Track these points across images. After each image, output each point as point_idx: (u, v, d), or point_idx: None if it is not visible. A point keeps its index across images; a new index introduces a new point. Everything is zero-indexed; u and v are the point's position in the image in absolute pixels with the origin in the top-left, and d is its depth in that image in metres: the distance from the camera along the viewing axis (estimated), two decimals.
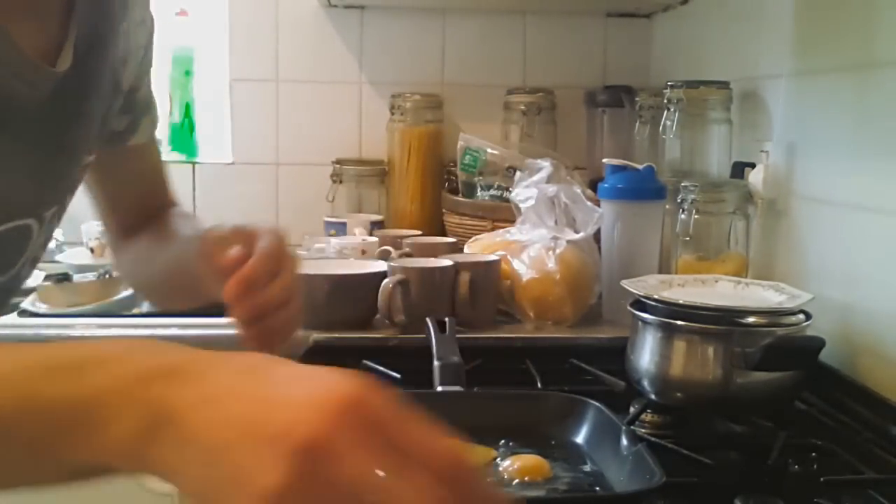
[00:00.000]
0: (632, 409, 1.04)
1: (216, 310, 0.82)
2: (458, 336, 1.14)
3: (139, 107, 0.95)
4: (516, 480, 0.82)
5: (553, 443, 0.91)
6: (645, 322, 1.03)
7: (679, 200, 1.35)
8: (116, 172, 0.98)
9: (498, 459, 0.86)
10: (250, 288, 0.74)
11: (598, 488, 0.82)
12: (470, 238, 1.54)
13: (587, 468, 0.86)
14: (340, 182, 1.94)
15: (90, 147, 0.84)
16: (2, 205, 0.72)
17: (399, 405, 0.42)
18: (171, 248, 0.94)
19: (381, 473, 0.39)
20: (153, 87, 0.99)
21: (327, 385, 0.42)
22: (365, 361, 1.19)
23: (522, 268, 1.37)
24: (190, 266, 0.85)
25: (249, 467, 0.40)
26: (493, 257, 1.39)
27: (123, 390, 0.45)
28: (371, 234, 1.71)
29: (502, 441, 0.90)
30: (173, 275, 0.94)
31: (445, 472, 0.40)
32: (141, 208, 1.03)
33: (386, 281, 1.27)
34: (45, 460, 0.47)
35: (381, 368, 1.16)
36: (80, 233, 1.77)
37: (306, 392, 0.42)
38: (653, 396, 1.03)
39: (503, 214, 1.57)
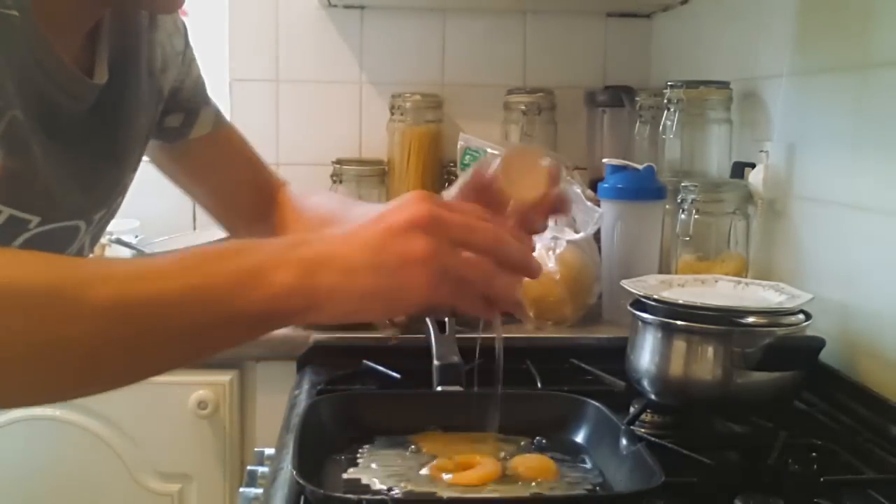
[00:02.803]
0: (632, 409, 1.04)
1: None
2: (458, 336, 1.13)
3: (189, 102, 0.99)
4: (521, 482, 0.81)
5: (554, 443, 0.91)
6: (645, 322, 1.03)
7: (679, 200, 1.35)
8: (209, 166, 1.03)
9: (505, 455, 0.86)
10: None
11: (597, 488, 0.82)
12: None
13: (588, 468, 0.86)
14: (340, 182, 1.94)
15: (136, 153, 0.89)
16: (52, 207, 0.76)
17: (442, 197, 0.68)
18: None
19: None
20: (201, 81, 1.03)
21: (405, 196, 0.65)
22: (365, 361, 1.19)
23: None
24: None
25: (405, 250, 0.61)
26: None
27: (276, 256, 0.61)
28: None
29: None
30: None
31: (484, 219, 0.65)
32: (253, 193, 1.07)
33: None
34: (222, 322, 0.61)
35: (381, 368, 1.16)
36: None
37: (396, 202, 0.64)
38: (653, 396, 1.03)
39: None
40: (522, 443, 0.90)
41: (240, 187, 1.07)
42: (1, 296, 0.54)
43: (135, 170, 0.90)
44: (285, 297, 0.60)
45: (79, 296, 0.56)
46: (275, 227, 1.05)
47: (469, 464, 0.83)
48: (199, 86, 1.02)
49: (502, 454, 0.86)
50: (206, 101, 1.02)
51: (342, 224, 0.68)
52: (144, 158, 1.04)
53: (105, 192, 0.85)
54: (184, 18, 1.02)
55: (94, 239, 0.87)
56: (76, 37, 0.77)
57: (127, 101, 0.84)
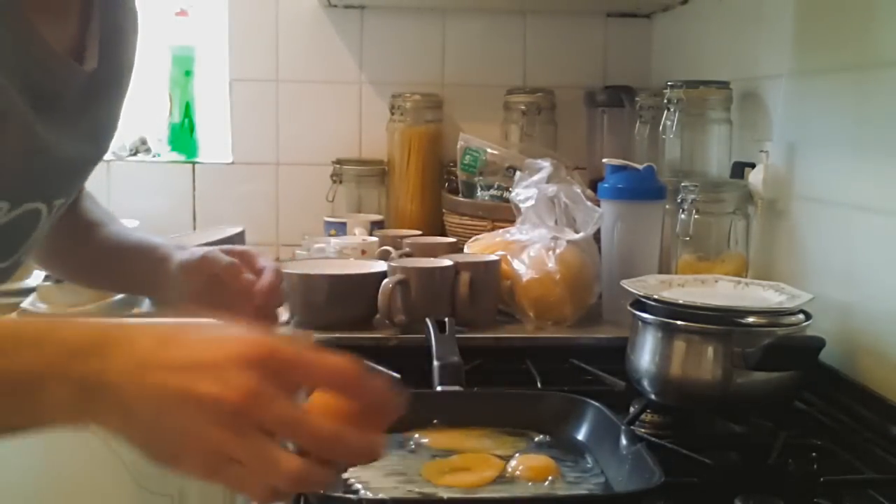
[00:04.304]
0: (632, 409, 1.04)
1: None
2: (457, 336, 1.14)
3: None
4: (521, 482, 0.81)
5: (554, 442, 0.91)
6: (645, 322, 1.03)
7: (679, 200, 1.35)
8: None
9: (505, 454, 0.86)
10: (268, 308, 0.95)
11: (598, 488, 0.82)
12: (470, 238, 1.54)
13: (589, 468, 0.86)
14: (340, 182, 1.94)
15: (108, 141, 0.89)
16: (21, 187, 0.75)
17: (291, 344, 0.54)
18: (108, 238, 1.03)
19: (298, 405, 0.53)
20: None
21: (240, 344, 0.53)
22: (365, 361, 1.18)
23: (522, 268, 1.37)
24: (151, 266, 0.99)
25: (191, 428, 0.51)
26: (493, 257, 1.39)
27: (56, 367, 0.53)
28: (371, 234, 1.71)
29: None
30: (115, 261, 1.04)
31: (340, 379, 0.55)
32: None
33: (386, 281, 1.27)
34: None
35: (381, 368, 1.16)
36: None
37: (223, 354, 0.52)
38: (653, 396, 1.03)
39: (503, 214, 1.57)
40: (523, 442, 0.90)
41: None
42: None
43: (100, 158, 0.89)
44: (58, 415, 0.54)
45: None
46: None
47: (469, 464, 0.83)
48: None
49: (503, 453, 0.86)
50: None
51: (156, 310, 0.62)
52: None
53: (77, 176, 0.85)
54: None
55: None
56: (68, 20, 0.77)
57: (111, 87, 0.84)
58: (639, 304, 1.05)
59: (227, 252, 0.98)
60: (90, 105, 0.81)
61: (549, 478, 0.82)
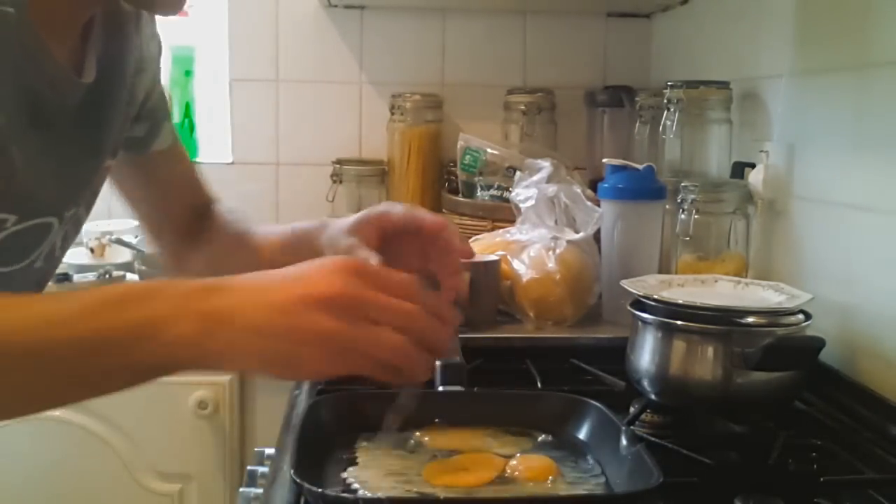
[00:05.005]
0: (632, 409, 1.04)
1: None
2: (459, 336, 1.13)
3: (156, 113, 0.99)
4: (521, 482, 0.81)
5: (554, 442, 0.91)
6: (645, 322, 1.03)
7: (679, 200, 1.35)
8: (158, 181, 1.04)
9: (505, 454, 0.86)
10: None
11: (598, 488, 0.82)
12: (470, 238, 1.54)
13: (589, 468, 0.86)
14: (340, 182, 1.94)
15: (110, 153, 0.90)
16: (29, 203, 0.76)
17: (372, 266, 0.71)
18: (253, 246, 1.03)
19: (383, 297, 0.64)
20: (164, 93, 1.03)
21: (329, 261, 0.66)
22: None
23: (522, 268, 1.37)
24: (317, 245, 0.94)
25: (313, 325, 0.62)
26: (493, 257, 1.39)
27: (177, 306, 0.61)
28: None
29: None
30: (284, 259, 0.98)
31: (411, 294, 0.66)
32: (191, 209, 1.08)
33: None
34: (117, 369, 0.62)
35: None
36: (80, 233, 1.76)
37: (318, 268, 0.65)
38: (653, 396, 1.03)
39: (503, 214, 1.57)
40: (527, 442, 0.90)
41: (180, 205, 1.08)
42: None
43: (105, 170, 0.90)
44: (181, 350, 0.61)
45: None
46: (200, 243, 1.06)
47: (469, 464, 0.83)
48: (164, 98, 1.03)
49: (506, 452, 0.86)
50: (167, 115, 1.03)
51: (261, 264, 0.69)
52: None
53: (78, 189, 0.85)
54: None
55: (66, 238, 0.88)
56: (69, 35, 0.78)
57: (109, 100, 0.85)
58: (639, 304, 1.05)
59: (383, 205, 0.92)
60: (90, 117, 0.82)
61: (550, 478, 0.82)
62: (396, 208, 0.91)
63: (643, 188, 1.38)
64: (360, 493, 0.77)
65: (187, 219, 1.08)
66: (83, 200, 0.87)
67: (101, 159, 0.88)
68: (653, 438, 0.94)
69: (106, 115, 0.86)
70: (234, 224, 1.07)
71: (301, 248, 0.95)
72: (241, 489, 0.99)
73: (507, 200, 1.54)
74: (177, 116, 2.03)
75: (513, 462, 0.84)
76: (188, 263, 1.08)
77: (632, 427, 0.96)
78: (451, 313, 0.69)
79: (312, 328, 0.62)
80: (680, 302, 1.01)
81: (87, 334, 0.60)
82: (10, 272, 0.79)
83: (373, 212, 0.91)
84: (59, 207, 0.82)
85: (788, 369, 0.98)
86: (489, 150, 1.76)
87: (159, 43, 0.98)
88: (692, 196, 1.32)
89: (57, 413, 1.46)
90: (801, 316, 1.00)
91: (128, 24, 0.88)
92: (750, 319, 0.98)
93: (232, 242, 1.05)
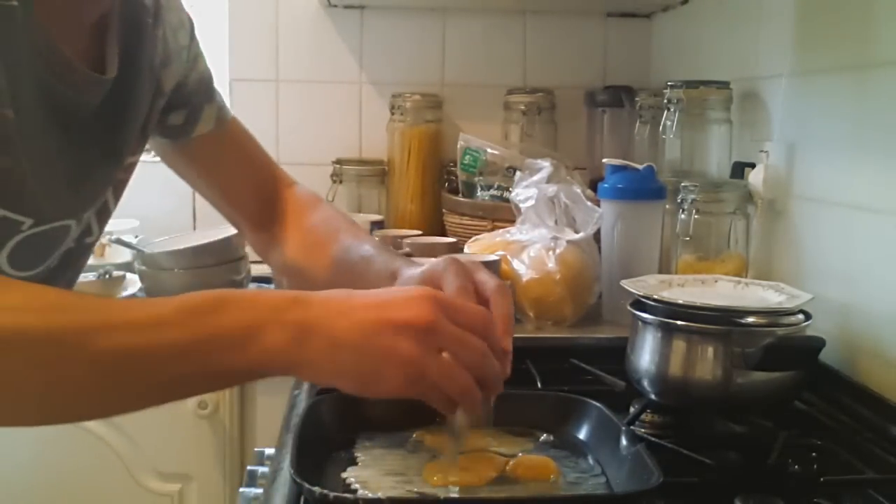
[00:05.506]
0: (632, 409, 1.04)
1: None
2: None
3: (192, 98, 0.98)
4: (521, 482, 0.81)
5: (554, 442, 0.91)
6: (645, 322, 1.03)
7: (679, 200, 1.35)
8: (213, 165, 1.03)
9: (505, 454, 0.86)
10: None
11: (598, 488, 0.82)
12: (470, 238, 1.54)
13: (589, 468, 0.86)
14: (340, 182, 1.94)
15: (132, 149, 0.88)
16: (45, 208, 0.75)
17: (452, 299, 0.73)
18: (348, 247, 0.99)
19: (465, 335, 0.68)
20: (206, 77, 1.02)
21: (413, 290, 0.69)
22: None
23: (522, 268, 1.37)
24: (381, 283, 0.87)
25: (391, 348, 0.65)
26: (493, 257, 1.39)
27: (272, 314, 0.64)
28: (371, 234, 1.71)
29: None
30: (347, 281, 0.90)
31: (485, 330, 0.71)
32: (260, 193, 1.06)
33: None
34: (205, 374, 0.63)
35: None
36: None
37: (404, 295, 0.68)
38: (653, 396, 1.03)
39: (503, 214, 1.57)
40: (529, 443, 0.90)
41: (244, 187, 1.06)
42: (6, 339, 0.58)
43: (128, 167, 0.89)
44: (271, 358, 0.64)
45: (80, 343, 0.59)
46: (275, 238, 1.05)
47: (469, 463, 0.83)
48: (204, 82, 1.01)
49: (503, 453, 0.86)
50: (209, 98, 1.01)
51: (346, 279, 0.76)
52: (154, 157, 1.05)
53: (97, 190, 0.84)
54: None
55: (83, 235, 0.86)
56: (81, 30, 0.77)
57: (130, 96, 0.84)
58: (639, 304, 1.05)
59: (449, 266, 0.81)
60: (112, 114, 0.81)
61: (550, 478, 0.82)
62: (447, 279, 0.81)
63: (643, 188, 1.38)
64: (360, 493, 0.77)
65: (254, 203, 1.06)
66: (101, 200, 0.86)
67: (121, 155, 0.86)
68: (653, 438, 0.94)
69: (129, 111, 0.84)
70: (315, 232, 1.03)
71: (367, 277, 0.91)
72: (241, 489, 0.99)
73: (507, 200, 1.54)
74: None
75: (513, 462, 0.84)
76: (269, 261, 1.08)
77: (632, 427, 0.96)
78: (505, 352, 0.76)
79: (395, 351, 0.65)
80: (680, 302, 1.00)
81: (181, 339, 0.62)
82: (28, 277, 0.77)
83: (424, 273, 0.84)
84: (78, 210, 0.81)
85: (788, 369, 0.98)
86: (489, 150, 1.76)
87: (190, 30, 0.98)
88: (692, 196, 1.32)
89: None
90: (801, 316, 1.00)
91: (144, 16, 0.86)
92: (750, 319, 0.98)
93: (307, 251, 1.01)
